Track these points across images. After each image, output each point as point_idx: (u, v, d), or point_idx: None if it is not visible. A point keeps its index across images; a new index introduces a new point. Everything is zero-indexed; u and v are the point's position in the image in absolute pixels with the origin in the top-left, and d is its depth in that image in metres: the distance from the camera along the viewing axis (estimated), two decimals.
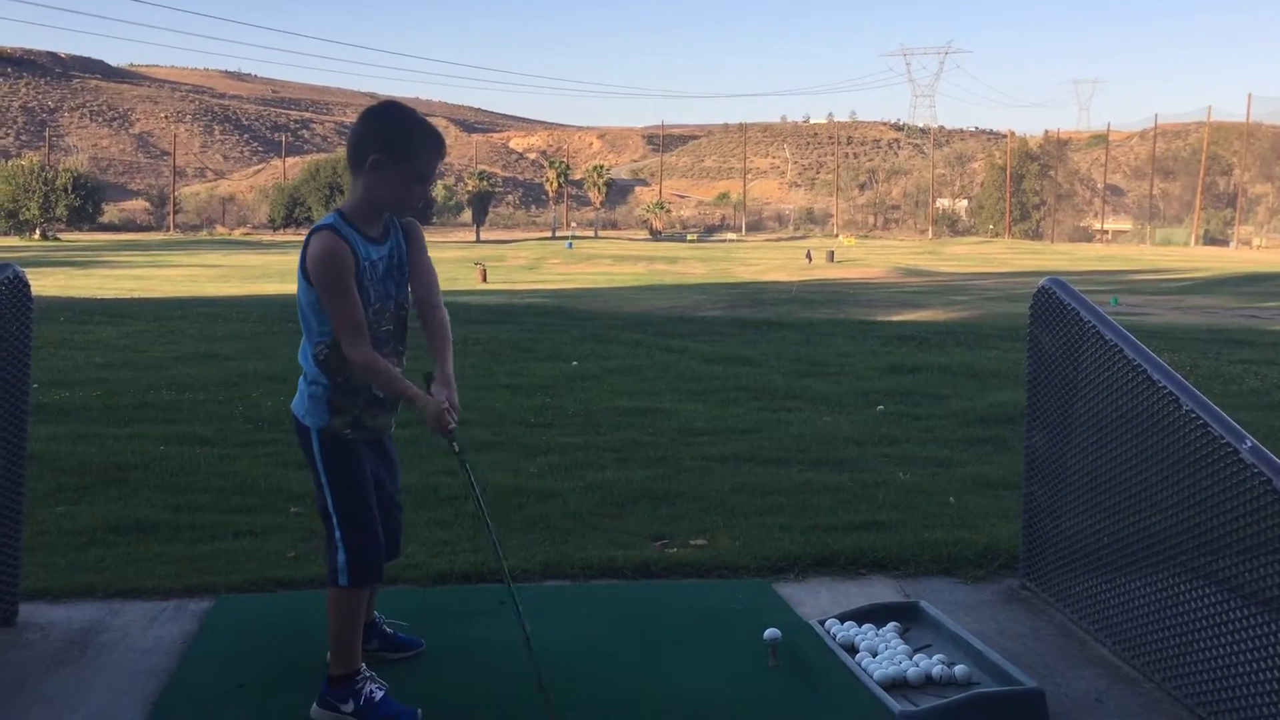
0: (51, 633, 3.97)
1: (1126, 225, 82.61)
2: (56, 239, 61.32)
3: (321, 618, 4.08)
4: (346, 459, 3.33)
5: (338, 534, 3.29)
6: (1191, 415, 3.36)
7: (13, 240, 59.29)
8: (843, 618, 4.07)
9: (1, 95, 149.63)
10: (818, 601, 4.39)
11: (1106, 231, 79.37)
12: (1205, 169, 72.36)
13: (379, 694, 3.30)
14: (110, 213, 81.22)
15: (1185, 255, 51.91)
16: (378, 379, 3.25)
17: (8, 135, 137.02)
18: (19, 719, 3.29)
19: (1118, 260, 45.40)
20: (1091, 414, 3.97)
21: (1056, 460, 4.26)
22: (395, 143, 3.23)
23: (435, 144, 3.31)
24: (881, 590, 4.51)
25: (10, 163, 70.44)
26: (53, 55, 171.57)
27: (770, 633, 3.75)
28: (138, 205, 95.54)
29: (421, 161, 3.27)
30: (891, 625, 4.00)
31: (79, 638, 3.93)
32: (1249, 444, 3.15)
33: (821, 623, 4.08)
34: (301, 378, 3.35)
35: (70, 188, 66.57)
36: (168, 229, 79.46)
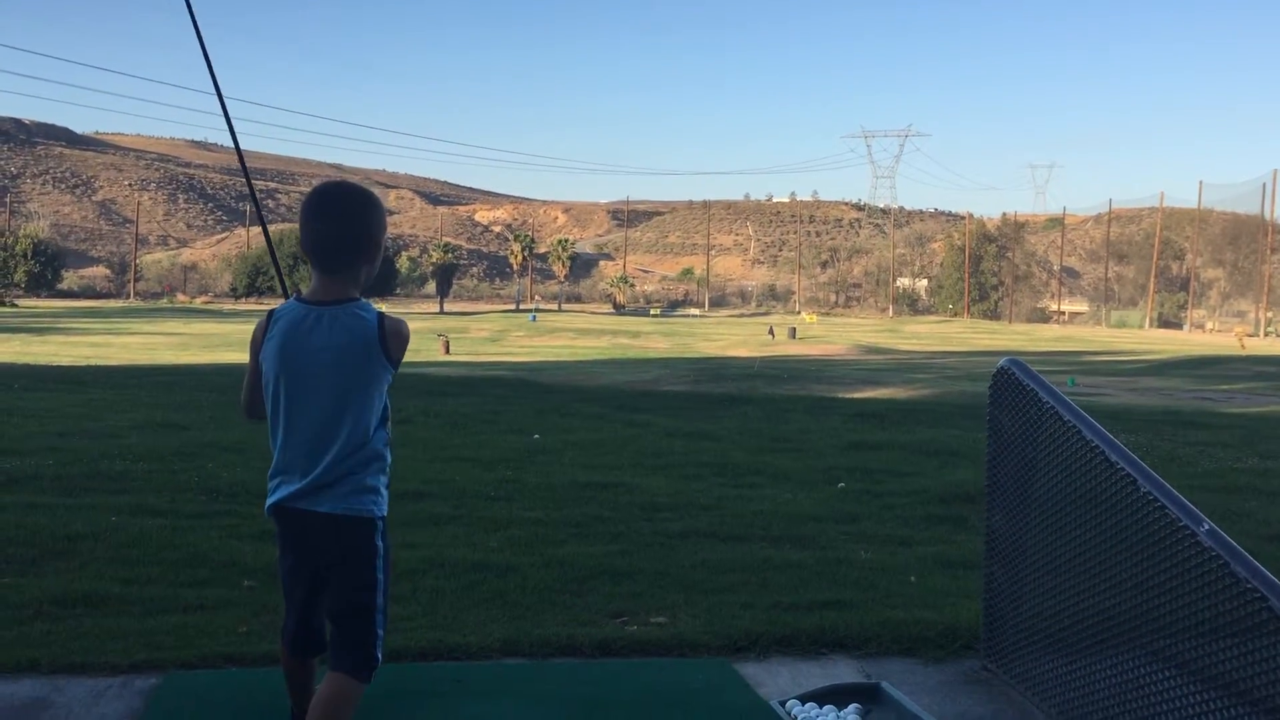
0: None
1: (1082, 307, 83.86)
2: (14, 305, 60.64)
3: (270, 696, 4.00)
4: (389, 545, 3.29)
5: (380, 629, 3.22)
6: (1149, 497, 3.38)
7: None
8: (804, 698, 4.04)
9: None
10: (778, 682, 4.35)
11: (1063, 313, 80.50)
12: (1158, 253, 73.73)
13: None
14: (70, 279, 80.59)
15: (1140, 337, 52.73)
16: None
17: None
18: None
19: (1074, 341, 46.00)
20: (1050, 494, 3.99)
21: (1016, 540, 4.27)
22: (382, 226, 3.28)
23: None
24: (843, 670, 4.47)
25: None
26: (16, 122, 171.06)
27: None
28: (98, 272, 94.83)
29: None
30: (853, 707, 3.96)
31: (20, 715, 3.82)
32: (1206, 527, 3.17)
33: (782, 703, 4.04)
34: (354, 468, 3.15)
35: (30, 254, 66.10)
36: (128, 296, 78.86)
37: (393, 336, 3.17)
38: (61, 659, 4.32)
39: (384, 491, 3.22)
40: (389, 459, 3.25)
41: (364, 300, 3.23)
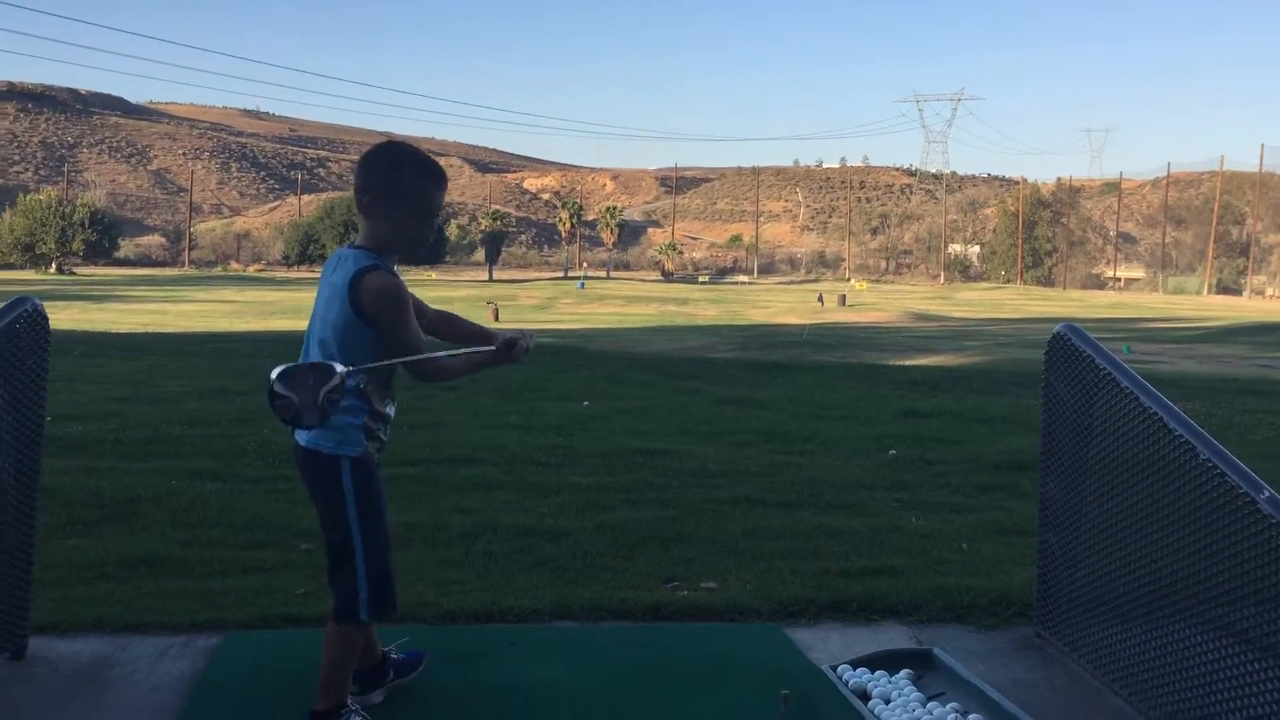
0: (60, 668, 3.95)
1: (1139, 273, 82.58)
2: (72, 273, 61.73)
3: None
4: (374, 488, 3.32)
5: (361, 569, 3.26)
6: (1208, 464, 3.34)
7: (29, 274, 59.70)
8: (855, 664, 4.04)
9: (21, 130, 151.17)
10: (829, 647, 4.36)
11: (1119, 279, 79.35)
12: (1218, 218, 72.39)
13: None
14: (126, 248, 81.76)
15: (1198, 304, 51.85)
16: (462, 369, 3.36)
17: (27, 170, 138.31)
18: None
19: (1130, 308, 45.35)
20: (1106, 461, 3.95)
21: (1071, 507, 4.23)
22: (389, 184, 3.24)
23: (430, 178, 3.29)
24: (894, 636, 4.47)
25: (28, 197, 70.93)
26: (73, 92, 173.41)
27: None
28: (154, 240, 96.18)
29: (418, 198, 3.26)
30: (904, 672, 3.96)
31: (87, 673, 3.91)
32: (1266, 494, 3.13)
33: (833, 668, 4.05)
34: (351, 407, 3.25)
35: (87, 222, 67.05)
36: (183, 264, 79.94)
37: (366, 291, 3.15)
38: (125, 618, 4.42)
39: (355, 433, 3.24)
40: (364, 405, 3.24)
41: (373, 254, 3.24)
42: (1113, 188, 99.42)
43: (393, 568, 3.35)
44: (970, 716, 3.59)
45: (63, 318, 24.23)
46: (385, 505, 3.36)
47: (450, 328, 3.64)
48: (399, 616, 4.45)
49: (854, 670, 3.98)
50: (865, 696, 3.81)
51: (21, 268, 64.18)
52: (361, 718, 3.34)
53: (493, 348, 3.40)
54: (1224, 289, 68.46)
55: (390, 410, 3.38)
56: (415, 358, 3.21)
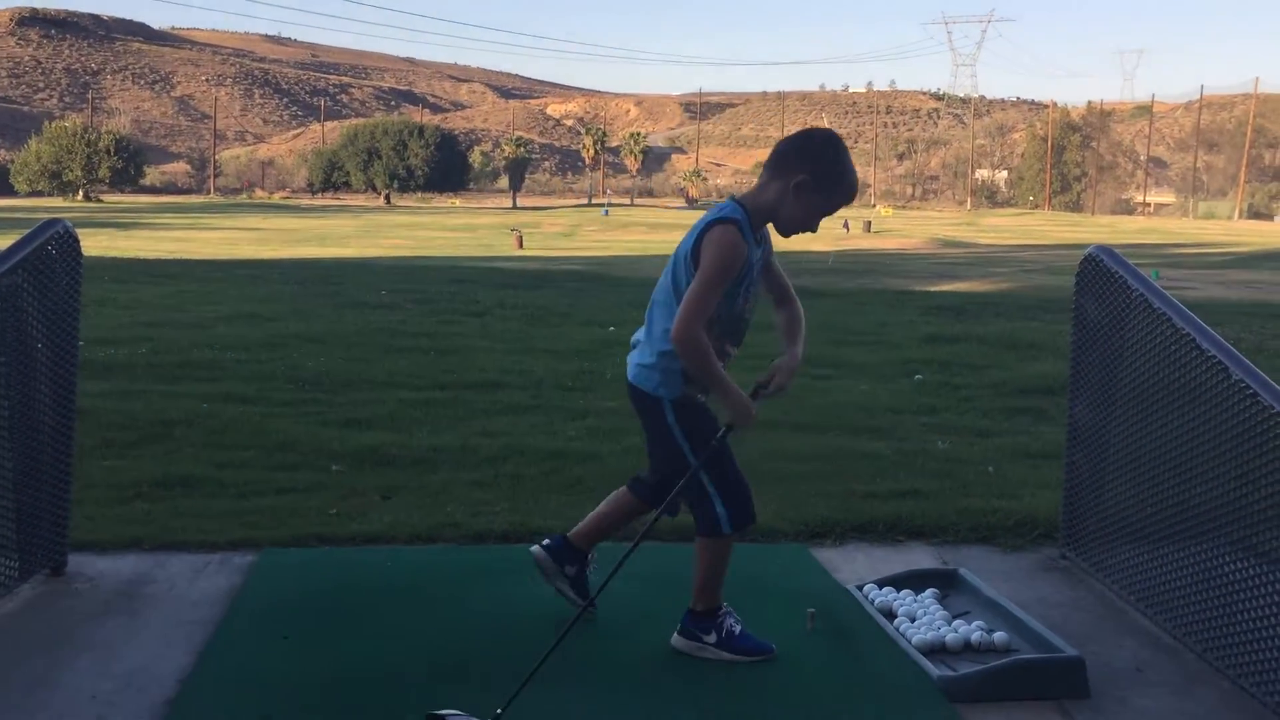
0: (100, 583, 4.04)
1: (1169, 198, 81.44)
2: (99, 200, 61.84)
3: (362, 573, 4.18)
4: (700, 418, 3.51)
5: (711, 488, 3.47)
6: (1241, 385, 3.32)
7: (56, 201, 59.86)
8: (881, 583, 4.08)
9: (45, 57, 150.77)
10: (855, 567, 4.40)
11: (1148, 204, 78.27)
12: (1250, 142, 71.13)
13: (738, 628, 3.52)
14: (152, 175, 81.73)
15: (1228, 229, 51.15)
16: (701, 360, 3.35)
17: (51, 97, 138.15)
18: (69, 666, 3.35)
19: (1159, 233, 44.79)
20: (1137, 383, 3.94)
21: (1100, 430, 4.23)
22: (827, 175, 3.36)
23: (852, 190, 3.45)
24: (919, 557, 4.51)
25: (54, 124, 70.82)
26: (95, 17, 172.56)
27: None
28: (179, 168, 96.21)
29: (837, 201, 3.42)
30: (930, 591, 3.99)
31: (126, 588, 4.00)
32: None
33: (859, 588, 4.09)
34: (647, 352, 3.50)
35: (113, 150, 66.97)
36: (208, 192, 79.96)
37: (704, 239, 3.33)
38: (162, 537, 4.50)
39: (673, 379, 3.45)
40: (676, 356, 3.39)
41: (735, 206, 3.39)
42: (1144, 111, 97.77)
43: (745, 481, 3.54)
44: (995, 634, 3.62)
45: (91, 244, 24.29)
46: (716, 428, 3.48)
47: (785, 324, 3.79)
48: (425, 540, 4.55)
49: (880, 590, 4.02)
50: (891, 615, 3.85)
51: (49, 195, 64.35)
52: (734, 619, 3.53)
53: (736, 388, 3.43)
54: (1255, 214, 67.47)
55: (732, 350, 3.57)
56: (687, 329, 3.28)
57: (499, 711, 2.93)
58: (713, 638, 3.51)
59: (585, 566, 3.82)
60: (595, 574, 3.80)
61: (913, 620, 3.77)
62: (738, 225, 3.32)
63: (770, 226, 3.47)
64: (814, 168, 3.34)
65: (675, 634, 3.57)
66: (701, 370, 3.37)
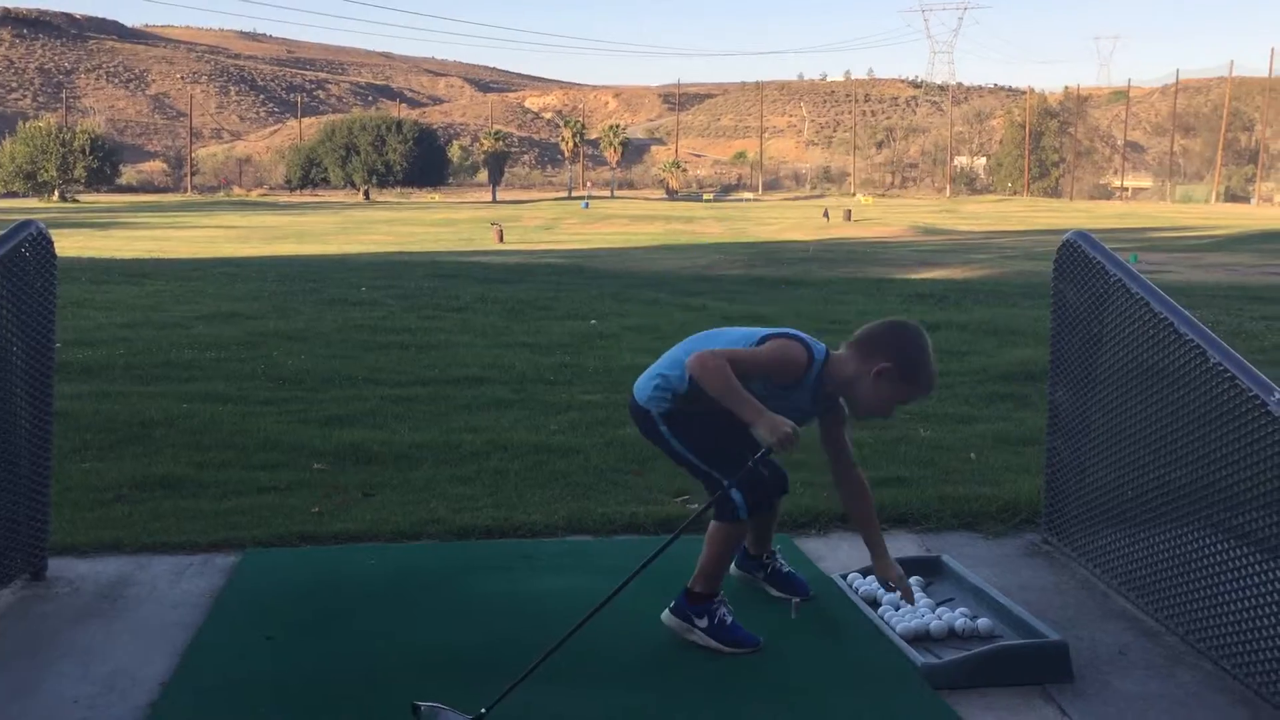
0: (81, 586, 4.02)
1: (1146, 182, 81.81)
2: (75, 200, 61.43)
3: (345, 572, 4.16)
4: (692, 424, 3.59)
5: (726, 481, 3.51)
6: (1219, 368, 3.34)
7: (32, 202, 59.44)
8: (865, 572, 4.08)
9: (18, 57, 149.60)
10: (839, 556, 4.41)
11: (1126, 189, 78.64)
12: (1227, 125, 71.52)
13: (730, 618, 3.55)
14: (128, 174, 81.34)
15: (1206, 212, 51.44)
16: (723, 382, 3.36)
17: (25, 97, 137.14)
18: (51, 671, 3.33)
19: (1137, 217, 45.02)
20: (1116, 367, 3.95)
21: (1080, 414, 4.25)
22: (908, 369, 3.47)
23: (929, 388, 3.55)
24: (903, 545, 4.52)
25: (28, 124, 70.29)
26: (68, 16, 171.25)
27: None
28: (155, 166, 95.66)
29: (913, 395, 3.55)
30: (914, 579, 4.00)
31: (107, 591, 3.97)
32: (1277, 396, 3.13)
33: (844, 576, 4.10)
34: (649, 373, 3.73)
35: (88, 149, 66.56)
36: (185, 190, 79.52)
37: (775, 341, 3.53)
38: (143, 539, 4.47)
39: (654, 393, 3.68)
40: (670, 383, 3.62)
41: (823, 350, 3.57)
42: (1121, 96, 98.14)
43: (759, 471, 3.53)
44: (979, 620, 3.63)
45: (67, 245, 24.16)
46: (718, 426, 3.49)
47: (848, 501, 3.87)
48: (409, 537, 4.53)
49: (864, 578, 4.03)
50: (875, 603, 3.86)
51: (24, 196, 63.90)
52: (727, 609, 3.56)
53: (762, 408, 3.38)
54: (1232, 197, 67.90)
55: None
56: (722, 375, 3.36)
57: (483, 711, 2.92)
58: (704, 623, 3.54)
59: (775, 564, 4.00)
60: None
61: (897, 609, 3.78)
62: (810, 355, 3.50)
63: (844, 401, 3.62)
64: (900, 358, 3.46)
65: (667, 610, 3.61)
66: (724, 392, 3.36)
